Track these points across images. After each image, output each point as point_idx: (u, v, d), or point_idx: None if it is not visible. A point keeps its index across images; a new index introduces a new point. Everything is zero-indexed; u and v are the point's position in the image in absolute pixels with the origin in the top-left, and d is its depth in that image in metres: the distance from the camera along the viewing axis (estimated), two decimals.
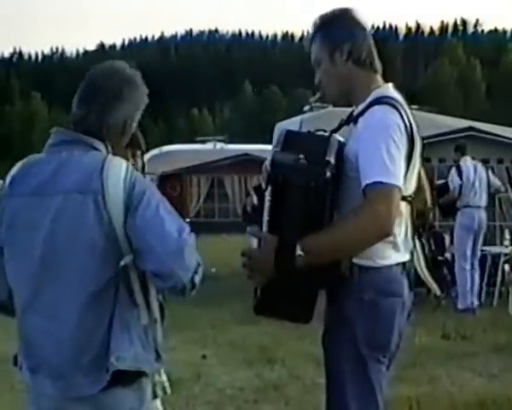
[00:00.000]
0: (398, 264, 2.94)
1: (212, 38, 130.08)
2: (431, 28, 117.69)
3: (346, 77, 3.00)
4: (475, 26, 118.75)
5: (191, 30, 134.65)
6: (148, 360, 2.50)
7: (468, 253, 10.43)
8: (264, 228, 2.84)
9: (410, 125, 2.88)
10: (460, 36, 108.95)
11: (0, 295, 2.60)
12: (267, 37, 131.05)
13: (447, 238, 10.76)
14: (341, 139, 2.96)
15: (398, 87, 3.04)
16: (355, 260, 2.86)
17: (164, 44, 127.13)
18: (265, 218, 2.83)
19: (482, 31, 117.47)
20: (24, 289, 2.49)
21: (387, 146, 2.75)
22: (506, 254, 11.06)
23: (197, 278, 2.42)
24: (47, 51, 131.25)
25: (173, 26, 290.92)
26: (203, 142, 30.34)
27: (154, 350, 2.53)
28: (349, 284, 2.87)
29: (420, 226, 3.12)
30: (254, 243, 2.90)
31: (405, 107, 2.93)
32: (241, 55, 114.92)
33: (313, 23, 3.04)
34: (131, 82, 2.58)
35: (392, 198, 2.72)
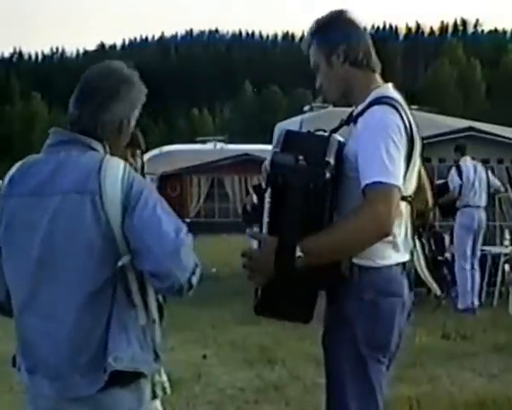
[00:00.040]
0: (398, 264, 2.94)
1: (212, 38, 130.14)
2: (431, 28, 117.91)
3: (344, 78, 3.01)
4: (475, 26, 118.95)
5: (191, 30, 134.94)
6: (146, 361, 2.49)
7: (468, 253, 10.43)
8: (264, 230, 2.84)
9: (410, 125, 2.88)
10: (460, 36, 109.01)
11: None
12: (267, 37, 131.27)
13: (447, 238, 10.77)
14: (341, 139, 2.96)
15: (398, 87, 3.04)
16: (355, 261, 2.86)
17: (164, 44, 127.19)
18: (265, 219, 2.83)
19: (482, 31, 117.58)
20: (21, 289, 2.49)
21: (387, 146, 2.75)
22: (506, 254, 11.06)
23: (194, 279, 2.41)
24: (47, 51, 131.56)
25: (173, 26, 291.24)
26: (203, 142, 30.37)
27: (152, 351, 2.52)
28: (349, 284, 2.87)
29: (420, 226, 3.12)
30: (254, 244, 2.90)
31: (405, 107, 2.93)
32: (241, 55, 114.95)
33: (310, 28, 3.06)
34: (128, 81, 2.57)
35: (392, 198, 2.72)
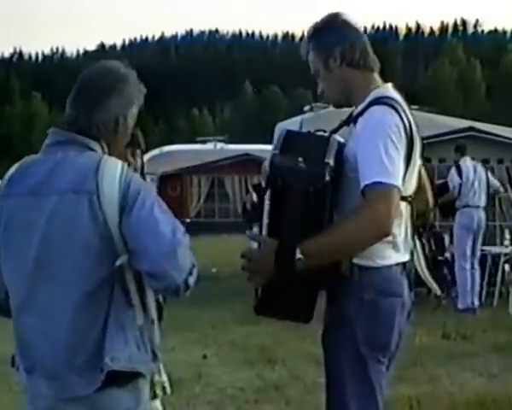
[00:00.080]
0: (397, 264, 2.94)
1: (212, 38, 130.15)
2: (431, 28, 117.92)
3: (343, 81, 3.02)
4: (475, 26, 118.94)
5: (191, 30, 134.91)
6: (144, 361, 2.49)
7: (468, 252, 10.45)
8: (264, 231, 2.84)
9: (410, 125, 2.88)
10: (460, 36, 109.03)
11: None
12: (267, 37, 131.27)
13: (446, 238, 10.77)
14: (341, 140, 2.96)
15: (398, 87, 3.05)
16: (355, 261, 2.86)
17: (164, 45, 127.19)
18: (265, 221, 2.83)
19: (482, 31, 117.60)
20: (19, 289, 2.49)
21: (386, 146, 2.76)
22: (506, 254, 11.06)
23: (191, 280, 2.41)
24: (47, 51, 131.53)
25: (173, 27, 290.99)
26: (203, 142, 30.38)
27: (150, 351, 2.51)
28: (349, 284, 2.87)
29: (420, 226, 3.12)
30: (254, 245, 2.90)
31: (405, 107, 2.93)
32: (241, 55, 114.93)
33: (306, 34, 3.08)
34: (124, 80, 2.56)
35: (392, 198, 2.72)
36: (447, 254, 10.70)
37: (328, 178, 2.77)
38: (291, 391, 6.41)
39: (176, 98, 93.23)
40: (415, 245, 3.09)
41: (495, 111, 59.60)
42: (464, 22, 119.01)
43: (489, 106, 73.28)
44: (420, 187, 3.05)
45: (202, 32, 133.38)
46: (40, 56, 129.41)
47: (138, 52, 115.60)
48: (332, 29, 3.02)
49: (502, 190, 11.57)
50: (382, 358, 2.95)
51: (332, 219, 2.84)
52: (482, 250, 10.82)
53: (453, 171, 10.53)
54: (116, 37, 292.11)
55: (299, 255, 2.72)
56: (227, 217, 26.35)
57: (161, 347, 2.60)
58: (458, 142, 10.86)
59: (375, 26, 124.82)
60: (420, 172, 3.04)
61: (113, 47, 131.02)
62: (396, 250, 2.93)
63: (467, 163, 10.51)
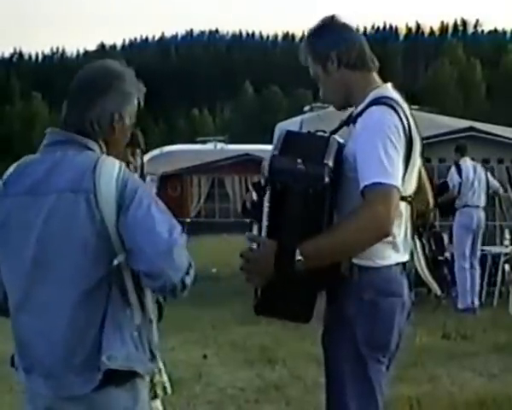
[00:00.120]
0: (397, 264, 2.94)
1: (212, 38, 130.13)
2: (431, 28, 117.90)
3: (342, 83, 3.02)
4: (475, 26, 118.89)
5: (192, 30, 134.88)
6: (142, 360, 2.49)
7: (467, 252, 10.45)
8: (264, 233, 2.84)
9: (409, 125, 2.88)
10: (460, 36, 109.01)
11: None
12: (268, 37, 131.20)
13: (446, 238, 10.77)
14: (341, 141, 2.96)
15: (398, 87, 3.05)
16: (355, 261, 2.86)
17: (164, 45, 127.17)
18: (264, 223, 2.83)
19: (482, 31, 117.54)
20: (17, 289, 2.50)
21: (385, 146, 2.76)
22: (506, 254, 11.07)
23: (188, 279, 2.40)
24: (47, 51, 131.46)
25: (174, 27, 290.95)
26: (204, 142, 30.33)
27: (148, 350, 2.51)
28: (349, 284, 2.87)
29: (420, 226, 3.13)
30: (254, 246, 2.90)
31: (404, 107, 2.93)
32: (241, 55, 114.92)
33: (303, 40, 3.09)
34: (119, 77, 2.55)
35: (391, 199, 2.72)
36: (447, 254, 10.71)
37: (327, 179, 2.77)
38: (291, 391, 6.41)
39: (176, 98, 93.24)
40: (415, 245, 3.09)
41: (495, 111, 59.58)
42: (464, 22, 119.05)
43: (489, 106, 73.24)
44: (420, 187, 3.05)
45: (202, 33, 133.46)
46: (40, 56, 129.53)
47: (138, 52, 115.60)
48: (327, 33, 3.04)
49: (501, 191, 11.59)
50: (382, 358, 2.95)
51: (332, 220, 2.85)
52: (482, 250, 10.82)
53: (453, 170, 10.55)
54: (116, 37, 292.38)
55: (298, 257, 2.72)
56: (227, 217, 26.30)
57: (160, 346, 2.61)
58: (458, 142, 10.87)
59: (375, 26, 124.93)
60: (420, 173, 3.04)
61: (113, 47, 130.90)
62: (396, 250, 2.93)
63: (467, 163, 10.53)
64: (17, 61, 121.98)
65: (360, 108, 2.94)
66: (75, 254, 2.40)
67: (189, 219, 22.32)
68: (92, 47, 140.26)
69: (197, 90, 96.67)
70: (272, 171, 2.83)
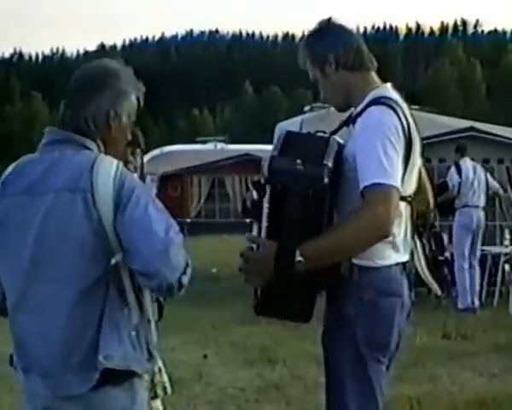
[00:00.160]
0: (397, 264, 2.94)
1: (212, 38, 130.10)
2: (431, 28, 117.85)
3: (341, 84, 3.03)
4: (475, 26, 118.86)
5: (192, 30, 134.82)
6: (139, 360, 2.48)
7: (467, 252, 10.46)
8: (263, 234, 2.84)
9: (408, 125, 2.88)
10: (460, 36, 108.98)
11: None
12: (268, 37, 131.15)
13: (445, 238, 10.77)
14: (341, 141, 2.97)
15: (398, 88, 3.05)
16: (354, 261, 2.87)
17: (164, 45, 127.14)
18: (264, 224, 2.83)
19: (482, 31, 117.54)
20: (15, 289, 2.50)
21: (384, 147, 2.76)
22: (506, 254, 11.07)
23: (185, 279, 2.40)
24: (47, 52, 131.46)
25: (174, 27, 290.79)
26: (204, 142, 30.35)
27: (146, 350, 2.51)
28: (349, 284, 2.87)
29: (420, 226, 3.13)
30: (254, 248, 2.90)
31: (403, 107, 2.93)
32: (241, 55, 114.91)
33: (301, 44, 3.10)
34: (115, 75, 2.55)
35: (391, 199, 2.73)
36: (447, 254, 10.71)
37: (326, 180, 2.77)
38: (291, 391, 6.41)
39: (176, 98, 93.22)
40: (415, 245, 3.09)
41: (495, 111, 59.58)
42: (464, 22, 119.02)
43: (489, 106, 73.22)
44: (420, 187, 3.06)
45: (202, 33, 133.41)
46: (40, 56, 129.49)
47: (138, 52, 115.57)
48: (324, 36, 3.05)
49: (501, 191, 11.59)
50: (382, 358, 2.96)
51: (331, 221, 2.85)
52: (482, 250, 10.83)
53: (453, 170, 10.56)
54: (116, 37, 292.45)
55: (298, 258, 2.72)
56: (227, 217, 26.31)
57: (160, 347, 2.61)
58: (459, 142, 10.88)
59: (375, 26, 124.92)
60: (420, 173, 3.05)
61: (114, 47, 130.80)
62: (395, 250, 2.93)
63: (466, 163, 10.54)
64: (17, 62, 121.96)
65: (359, 108, 2.94)
66: (72, 254, 2.40)
67: (189, 220, 22.34)
68: (92, 47, 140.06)
69: (197, 90, 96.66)
70: (272, 171, 2.83)
